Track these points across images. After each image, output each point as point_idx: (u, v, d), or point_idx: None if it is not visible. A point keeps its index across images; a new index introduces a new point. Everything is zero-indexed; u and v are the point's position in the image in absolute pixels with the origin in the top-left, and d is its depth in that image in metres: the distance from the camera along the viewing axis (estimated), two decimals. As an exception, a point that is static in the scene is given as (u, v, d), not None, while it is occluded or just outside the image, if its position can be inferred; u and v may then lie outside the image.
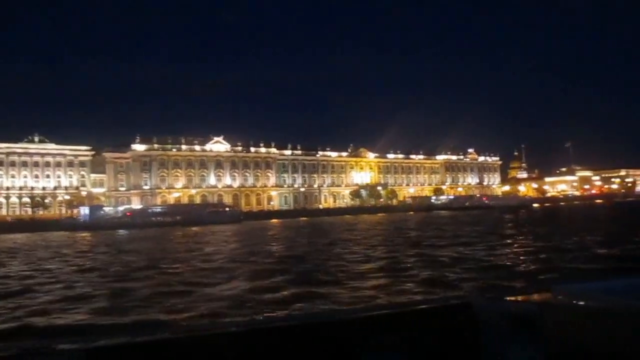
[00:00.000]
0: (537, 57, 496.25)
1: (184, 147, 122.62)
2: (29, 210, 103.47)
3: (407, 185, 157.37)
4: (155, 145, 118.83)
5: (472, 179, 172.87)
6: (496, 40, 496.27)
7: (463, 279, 14.49)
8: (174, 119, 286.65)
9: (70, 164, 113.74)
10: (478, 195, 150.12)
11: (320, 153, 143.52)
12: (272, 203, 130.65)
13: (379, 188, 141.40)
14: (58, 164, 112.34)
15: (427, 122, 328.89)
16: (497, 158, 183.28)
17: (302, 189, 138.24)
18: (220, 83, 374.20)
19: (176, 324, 9.90)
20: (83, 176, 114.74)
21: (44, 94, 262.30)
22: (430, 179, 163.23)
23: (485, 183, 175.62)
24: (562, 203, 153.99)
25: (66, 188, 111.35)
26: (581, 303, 2.45)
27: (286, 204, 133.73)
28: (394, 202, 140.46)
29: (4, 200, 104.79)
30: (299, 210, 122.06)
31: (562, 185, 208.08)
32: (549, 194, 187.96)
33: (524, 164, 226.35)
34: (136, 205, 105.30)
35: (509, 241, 28.79)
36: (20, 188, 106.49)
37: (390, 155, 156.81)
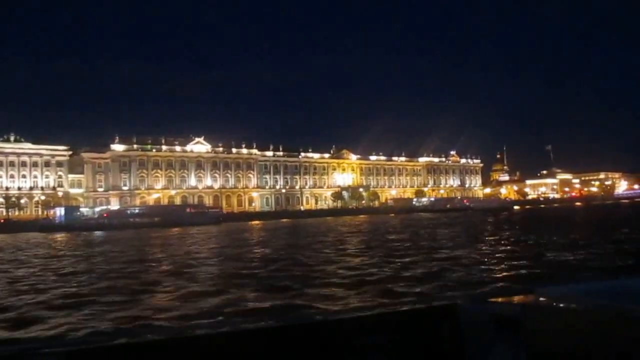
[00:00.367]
0: (519, 61, 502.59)
1: (164, 147, 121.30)
2: (3, 211, 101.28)
3: (389, 187, 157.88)
4: (135, 146, 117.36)
5: (454, 181, 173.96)
6: (478, 43, 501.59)
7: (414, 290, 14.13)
8: (155, 120, 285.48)
9: (47, 164, 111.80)
10: (459, 198, 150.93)
11: (303, 154, 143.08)
12: (253, 204, 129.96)
13: (361, 190, 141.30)
14: (34, 164, 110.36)
15: (410, 125, 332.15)
16: (479, 160, 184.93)
17: (284, 191, 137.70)
18: (202, 84, 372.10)
19: (162, 326, 9.50)
20: (60, 176, 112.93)
21: (20, 93, 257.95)
22: (412, 181, 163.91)
23: (467, 185, 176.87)
24: (542, 205, 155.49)
25: (43, 188, 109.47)
26: (563, 305, 2.49)
27: (267, 205, 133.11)
28: (376, 204, 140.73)
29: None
30: (280, 212, 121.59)
31: (543, 187, 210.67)
32: (529, 197, 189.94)
33: (505, 167, 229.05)
34: (115, 206, 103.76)
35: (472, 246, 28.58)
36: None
37: (373, 157, 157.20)
